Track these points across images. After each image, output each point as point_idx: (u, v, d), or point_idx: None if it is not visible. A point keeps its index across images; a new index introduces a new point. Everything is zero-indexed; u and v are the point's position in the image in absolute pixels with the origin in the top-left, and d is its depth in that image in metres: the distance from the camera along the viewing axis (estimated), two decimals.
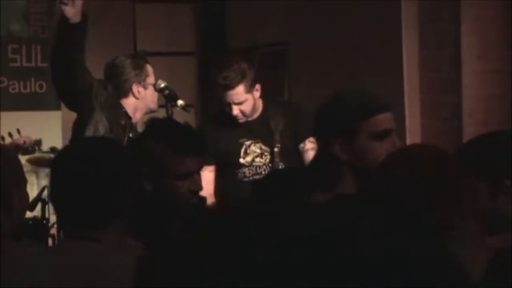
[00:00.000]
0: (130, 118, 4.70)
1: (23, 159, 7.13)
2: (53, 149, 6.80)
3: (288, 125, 4.66)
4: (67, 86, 4.44)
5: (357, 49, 6.04)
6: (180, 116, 4.81)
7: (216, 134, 4.61)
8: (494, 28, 5.43)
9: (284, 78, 6.86)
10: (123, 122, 4.64)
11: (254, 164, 4.63)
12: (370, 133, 2.57)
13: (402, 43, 5.66)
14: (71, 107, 4.61)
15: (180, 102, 4.65)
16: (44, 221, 6.00)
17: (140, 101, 4.63)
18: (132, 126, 4.69)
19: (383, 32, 5.80)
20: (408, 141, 5.56)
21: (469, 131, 5.35)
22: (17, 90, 7.20)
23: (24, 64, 7.25)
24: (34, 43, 7.25)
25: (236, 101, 4.54)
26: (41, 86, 7.01)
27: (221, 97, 4.58)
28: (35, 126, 6.94)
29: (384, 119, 2.62)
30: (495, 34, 5.43)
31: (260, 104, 4.67)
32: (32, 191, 6.61)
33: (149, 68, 4.66)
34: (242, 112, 4.58)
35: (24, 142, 6.23)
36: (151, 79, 4.66)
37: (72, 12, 4.35)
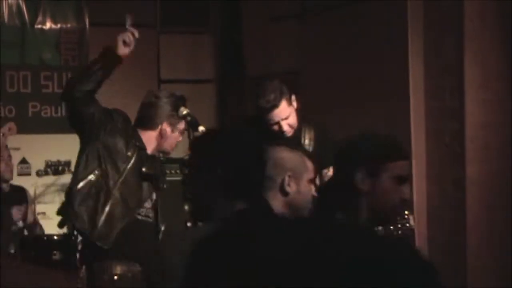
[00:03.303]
0: (144, 149, 4.64)
1: (53, 179, 7.20)
2: None
3: (316, 149, 4.65)
4: (72, 111, 4.49)
5: (365, 78, 6.06)
6: None
7: None
8: (494, 60, 5.45)
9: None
10: (129, 153, 4.58)
11: None
12: (392, 175, 2.66)
13: (409, 73, 5.69)
14: (74, 130, 4.60)
15: (201, 127, 4.54)
16: (73, 237, 5.99)
17: (163, 140, 4.63)
18: (147, 157, 4.64)
19: (391, 64, 5.85)
20: (414, 165, 5.59)
21: (471, 156, 5.37)
22: (49, 114, 7.23)
23: (56, 90, 7.22)
24: (65, 71, 7.26)
25: (283, 117, 4.56)
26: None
27: (266, 119, 4.57)
28: (64, 148, 6.96)
29: (406, 166, 2.73)
30: (495, 65, 5.45)
31: (296, 119, 4.66)
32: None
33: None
34: (289, 125, 4.59)
35: (10, 129, 6.28)
36: (181, 125, 4.63)
37: (126, 51, 4.53)
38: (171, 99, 4.67)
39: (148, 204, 4.68)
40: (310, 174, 3.38)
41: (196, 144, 2.77)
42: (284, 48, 6.99)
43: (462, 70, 5.39)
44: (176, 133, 4.64)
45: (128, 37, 4.53)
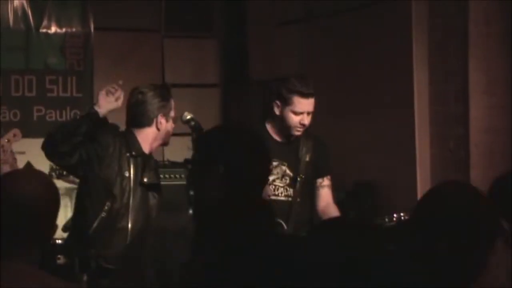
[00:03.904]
0: (139, 154, 4.59)
1: (58, 182, 7.19)
2: None
3: (313, 159, 4.69)
4: (58, 164, 4.57)
5: (370, 83, 6.06)
6: None
7: None
8: (498, 65, 5.46)
9: None
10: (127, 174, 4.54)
11: (274, 184, 4.63)
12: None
13: (413, 78, 5.70)
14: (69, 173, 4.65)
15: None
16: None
17: (160, 133, 4.59)
18: (144, 162, 4.61)
19: (396, 69, 5.85)
20: (418, 170, 5.58)
21: (475, 161, 5.37)
22: (53, 118, 7.19)
23: (61, 94, 7.24)
24: (70, 75, 7.26)
25: (311, 110, 4.57)
26: (75, 115, 7.05)
27: (291, 108, 4.55)
28: None
29: None
30: (499, 71, 5.47)
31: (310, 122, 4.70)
32: (66, 213, 6.65)
33: (172, 102, 4.62)
34: (308, 122, 4.59)
35: (14, 135, 6.29)
36: (173, 113, 4.62)
37: (111, 105, 4.50)
38: (157, 91, 4.63)
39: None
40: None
41: (200, 139, 2.73)
42: (289, 53, 6.99)
43: (467, 75, 5.41)
44: (170, 122, 4.61)
45: (112, 87, 4.53)
